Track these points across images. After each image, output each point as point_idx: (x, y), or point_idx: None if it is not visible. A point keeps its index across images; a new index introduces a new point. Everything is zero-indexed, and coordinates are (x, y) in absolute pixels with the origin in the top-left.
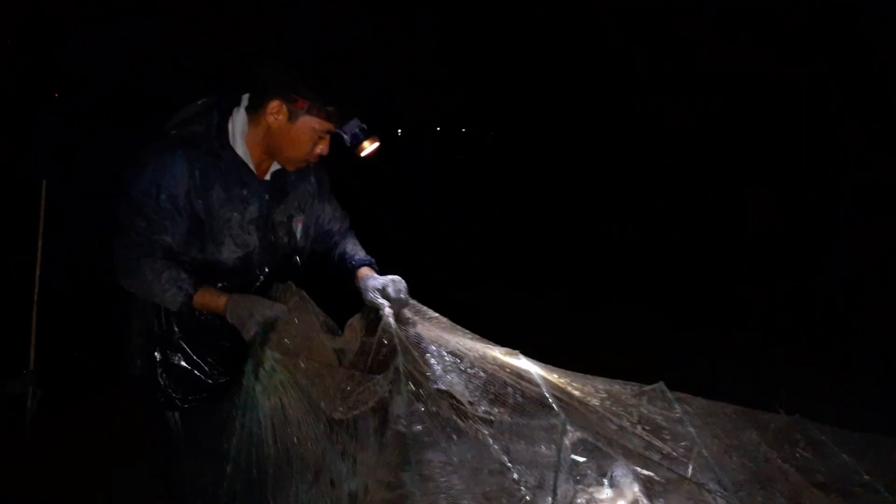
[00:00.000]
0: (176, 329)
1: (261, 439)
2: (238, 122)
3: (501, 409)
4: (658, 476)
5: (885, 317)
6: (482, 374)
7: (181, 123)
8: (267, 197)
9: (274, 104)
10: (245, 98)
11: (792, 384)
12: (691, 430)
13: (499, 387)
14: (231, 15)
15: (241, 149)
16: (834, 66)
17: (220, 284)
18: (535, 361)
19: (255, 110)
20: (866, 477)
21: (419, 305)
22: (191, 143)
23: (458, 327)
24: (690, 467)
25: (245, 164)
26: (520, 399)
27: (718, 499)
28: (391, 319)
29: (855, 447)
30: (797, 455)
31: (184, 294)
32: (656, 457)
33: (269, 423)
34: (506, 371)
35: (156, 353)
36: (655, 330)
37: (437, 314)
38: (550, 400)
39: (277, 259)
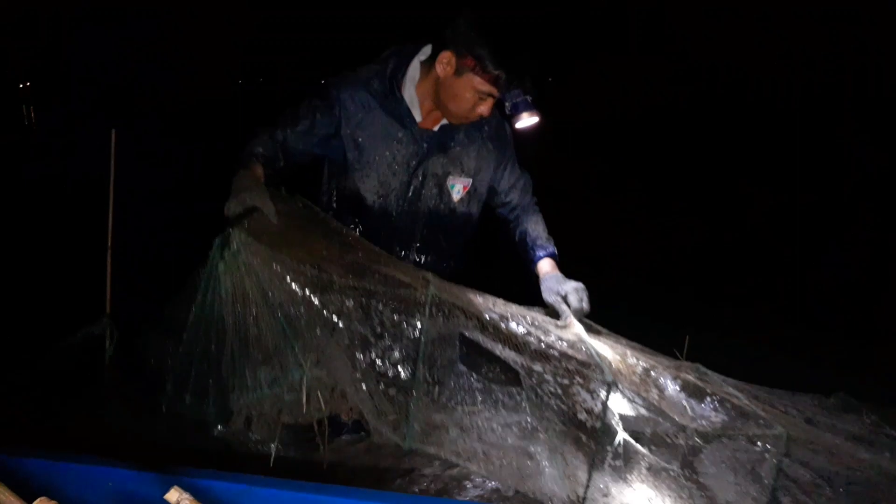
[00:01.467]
0: None
1: (220, 315)
2: (411, 70)
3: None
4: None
5: None
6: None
7: (366, 66)
8: (425, 145)
9: (445, 54)
10: (425, 50)
11: None
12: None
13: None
14: None
15: (408, 94)
16: None
17: (355, 221)
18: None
19: (429, 61)
20: None
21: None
22: (365, 81)
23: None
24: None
25: (409, 109)
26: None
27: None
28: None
29: None
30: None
31: (245, 157)
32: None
33: (230, 300)
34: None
35: None
36: None
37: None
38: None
39: (421, 212)
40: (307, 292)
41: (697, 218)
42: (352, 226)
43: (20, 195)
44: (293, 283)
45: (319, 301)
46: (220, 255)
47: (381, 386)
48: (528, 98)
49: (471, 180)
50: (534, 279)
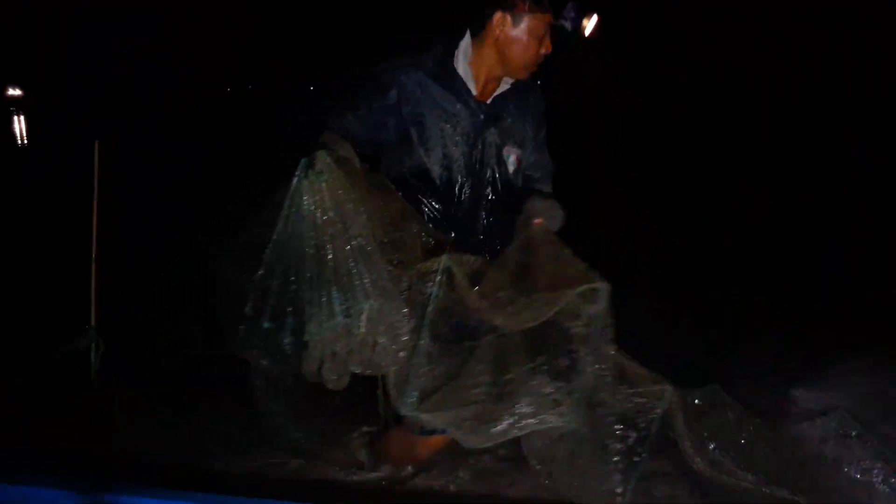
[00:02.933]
0: None
1: (300, 234)
2: (462, 48)
3: None
4: None
5: None
6: None
7: (413, 54)
8: (482, 116)
9: (497, 16)
10: (467, 34)
11: None
12: None
13: None
14: None
15: (462, 68)
16: None
17: (423, 202)
18: None
19: (479, 33)
20: None
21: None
22: (418, 63)
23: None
24: None
25: (464, 84)
26: None
27: None
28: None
29: None
30: None
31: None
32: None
33: (310, 220)
34: None
35: None
36: None
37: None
38: None
39: (484, 183)
40: (375, 234)
41: (697, 218)
42: (421, 205)
43: (17, 198)
44: (366, 217)
45: (382, 248)
46: (304, 175)
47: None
48: (577, 5)
49: (521, 151)
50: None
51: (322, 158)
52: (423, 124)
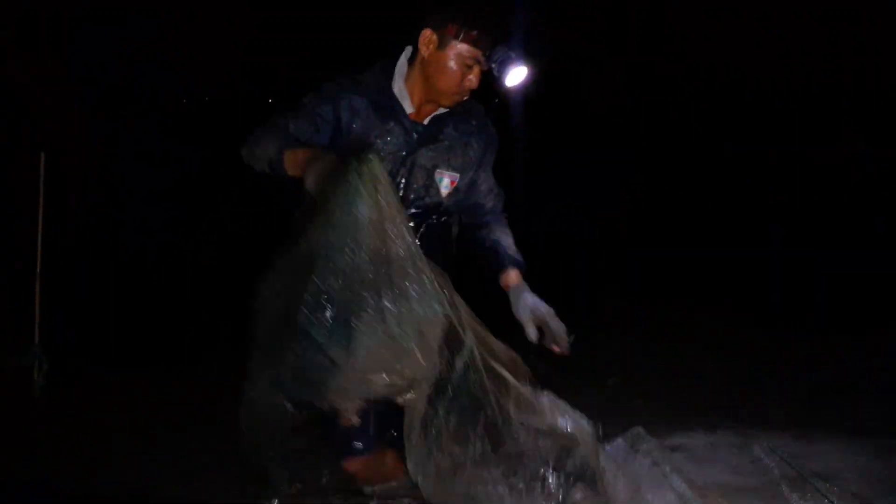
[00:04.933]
0: None
1: (356, 229)
2: (399, 66)
3: None
4: None
5: None
6: None
7: (356, 73)
8: (415, 135)
9: (426, 32)
10: (408, 50)
11: None
12: None
13: None
14: None
15: (397, 87)
16: None
17: None
18: None
19: (413, 52)
20: None
21: None
22: (356, 80)
23: None
24: None
25: (398, 102)
26: None
27: None
28: None
29: None
30: None
31: (276, 150)
32: None
33: (369, 223)
34: None
35: None
36: None
37: None
38: None
39: (410, 204)
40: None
41: (698, 217)
42: None
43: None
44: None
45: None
46: (357, 174)
47: None
48: (512, 54)
49: (458, 175)
50: (499, 288)
51: (372, 159)
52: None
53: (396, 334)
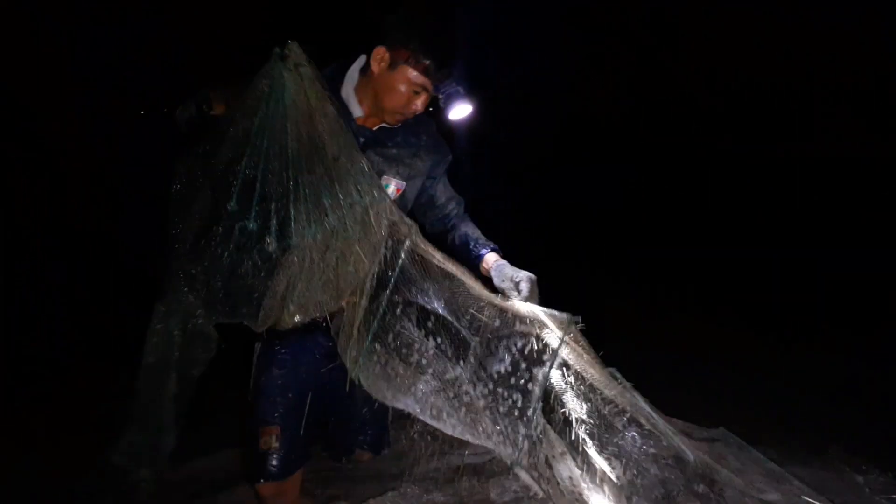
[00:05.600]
0: None
1: (283, 125)
2: (350, 73)
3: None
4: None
5: None
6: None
7: None
8: (361, 140)
9: (379, 50)
10: (361, 59)
11: None
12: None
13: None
14: None
15: (345, 92)
16: None
17: None
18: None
19: (366, 63)
20: None
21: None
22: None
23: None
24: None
25: (346, 105)
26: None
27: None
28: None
29: None
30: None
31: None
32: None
33: (295, 105)
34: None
35: None
36: None
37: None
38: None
39: None
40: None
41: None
42: None
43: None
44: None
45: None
46: (282, 64)
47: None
48: (460, 89)
49: (405, 184)
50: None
51: (296, 49)
52: None
53: (337, 227)
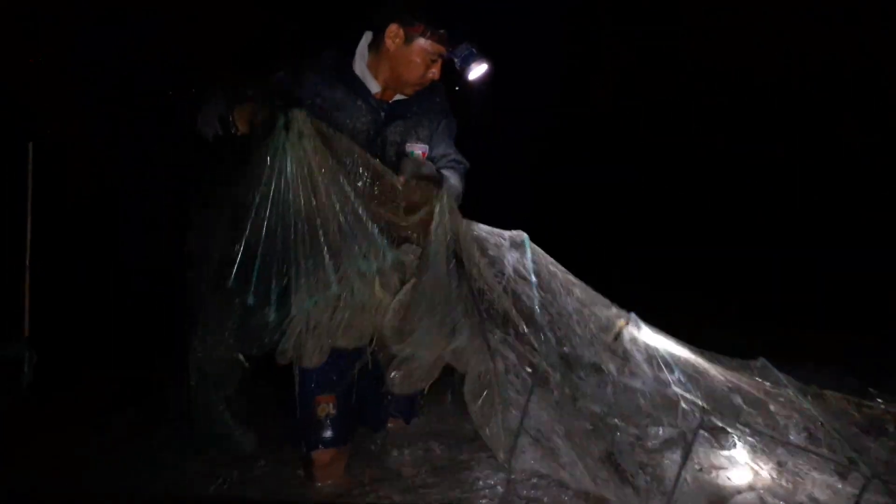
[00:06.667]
0: None
1: (285, 200)
2: (359, 50)
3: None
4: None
5: None
6: None
7: (306, 59)
8: (382, 114)
9: (392, 27)
10: (367, 35)
11: None
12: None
13: None
14: None
15: (359, 69)
16: None
17: None
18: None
19: (376, 40)
20: None
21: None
22: (318, 63)
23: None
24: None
25: (363, 83)
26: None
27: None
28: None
29: None
30: None
31: (225, 107)
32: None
33: (297, 179)
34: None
35: None
36: None
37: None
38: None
39: None
40: (361, 195)
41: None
42: None
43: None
44: (349, 177)
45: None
46: (285, 136)
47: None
48: (473, 49)
49: (427, 146)
50: None
51: (300, 118)
52: (327, 119)
53: (342, 294)
